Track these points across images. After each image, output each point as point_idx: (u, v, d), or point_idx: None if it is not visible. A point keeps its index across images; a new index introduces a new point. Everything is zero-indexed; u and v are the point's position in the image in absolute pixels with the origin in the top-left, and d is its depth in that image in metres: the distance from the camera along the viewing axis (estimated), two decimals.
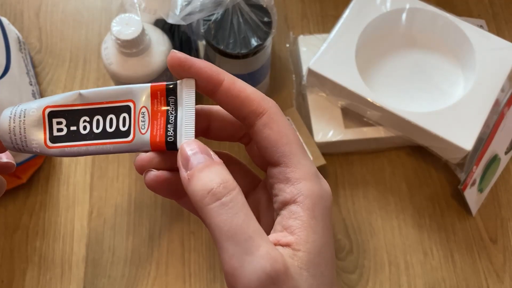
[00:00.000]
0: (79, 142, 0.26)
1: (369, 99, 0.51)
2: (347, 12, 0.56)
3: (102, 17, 0.64)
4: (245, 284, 0.21)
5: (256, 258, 0.21)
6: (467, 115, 0.51)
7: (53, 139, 0.26)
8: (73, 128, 0.26)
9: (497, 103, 0.53)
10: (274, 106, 0.25)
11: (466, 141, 0.50)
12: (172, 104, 0.25)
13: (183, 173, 0.23)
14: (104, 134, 0.26)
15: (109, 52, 0.46)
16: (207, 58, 0.53)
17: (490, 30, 0.64)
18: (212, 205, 0.22)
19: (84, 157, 0.56)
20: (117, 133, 0.26)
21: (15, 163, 0.32)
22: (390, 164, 0.57)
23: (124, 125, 0.26)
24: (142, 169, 0.26)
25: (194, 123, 0.25)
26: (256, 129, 0.25)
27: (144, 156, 0.26)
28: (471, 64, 0.55)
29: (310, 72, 0.53)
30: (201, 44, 0.57)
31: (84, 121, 0.26)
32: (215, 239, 0.22)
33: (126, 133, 0.25)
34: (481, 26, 0.63)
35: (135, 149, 0.26)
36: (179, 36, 0.50)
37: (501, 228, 0.54)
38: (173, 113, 0.25)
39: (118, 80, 0.47)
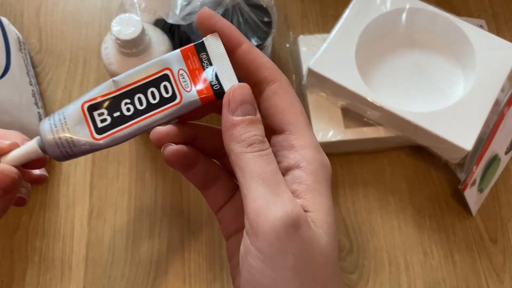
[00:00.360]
0: (127, 123, 0.26)
1: (369, 99, 0.51)
2: (347, 12, 0.56)
3: (102, 17, 0.65)
4: (270, 221, 0.23)
5: (282, 200, 0.23)
6: (467, 115, 0.51)
7: (99, 131, 0.26)
8: (116, 114, 0.26)
9: (497, 103, 0.53)
10: (285, 78, 0.27)
11: (466, 141, 0.50)
12: (205, 60, 0.26)
13: (229, 116, 0.25)
14: (150, 107, 0.26)
15: (109, 52, 0.46)
16: None
17: (490, 30, 0.64)
18: (252, 154, 0.24)
19: (84, 157, 0.56)
20: (163, 101, 0.26)
21: (47, 175, 0.32)
22: (390, 164, 0.57)
23: (167, 92, 0.26)
24: (159, 143, 0.27)
25: (232, 68, 0.26)
26: (265, 96, 0.26)
27: (161, 130, 0.27)
28: (471, 64, 0.55)
29: (310, 72, 0.53)
30: None
31: (126, 103, 0.26)
32: (244, 182, 0.24)
33: (172, 98, 0.26)
34: (481, 26, 0.63)
35: (185, 108, 0.26)
36: (179, 36, 0.50)
37: (501, 228, 0.54)
38: (209, 66, 0.26)
39: None
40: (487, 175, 0.54)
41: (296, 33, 0.63)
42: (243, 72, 0.27)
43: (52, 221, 0.53)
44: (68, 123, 0.26)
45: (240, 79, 0.26)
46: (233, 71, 0.26)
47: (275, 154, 0.26)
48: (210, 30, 0.26)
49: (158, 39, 0.47)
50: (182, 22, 0.46)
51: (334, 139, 0.53)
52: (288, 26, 0.65)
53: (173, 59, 0.26)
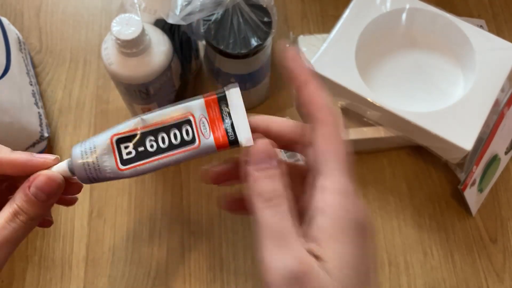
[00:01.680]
0: (149, 158, 0.29)
1: (369, 99, 0.51)
2: (347, 12, 0.56)
3: (102, 17, 0.65)
4: (274, 275, 0.23)
5: (288, 256, 0.24)
6: (467, 115, 0.51)
7: (124, 162, 0.29)
8: (140, 149, 0.29)
9: (497, 103, 0.53)
10: (336, 121, 0.28)
11: (466, 141, 0.50)
12: (225, 110, 0.29)
13: (251, 170, 0.27)
14: (171, 147, 0.29)
15: (109, 52, 0.46)
16: (207, 58, 0.53)
17: (490, 30, 0.64)
18: (268, 209, 0.25)
19: None
20: (183, 143, 0.29)
21: (78, 198, 0.35)
22: (390, 164, 0.57)
23: (188, 135, 0.29)
24: (217, 180, 0.32)
25: (247, 121, 0.29)
26: (313, 134, 0.28)
27: (217, 168, 0.31)
28: (471, 64, 0.55)
29: None
30: (201, 44, 0.57)
31: (150, 140, 0.29)
32: (258, 235, 0.25)
33: (192, 141, 0.29)
34: (481, 26, 0.63)
35: (202, 153, 0.29)
36: (179, 36, 0.50)
37: (501, 228, 0.54)
38: (227, 116, 0.29)
39: (119, 80, 0.47)
40: (487, 175, 0.54)
41: (296, 33, 0.63)
42: (299, 102, 0.29)
43: None
44: (97, 151, 0.28)
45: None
46: (247, 124, 0.29)
47: (308, 191, 0.27)
48: (283, 66, 0.29)
49: (158, 39, 0.47)
50: (182, 22, 0.46)
51: None
52: (288, 26, 0.65)
53: (197, 106, 0.29)
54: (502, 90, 0.53)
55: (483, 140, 0.51)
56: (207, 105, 0.29)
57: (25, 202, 0.28)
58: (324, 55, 0.54)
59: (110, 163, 0.29)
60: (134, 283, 0.50)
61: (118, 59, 0.45)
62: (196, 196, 0.54)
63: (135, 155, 0.29)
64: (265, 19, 0.48)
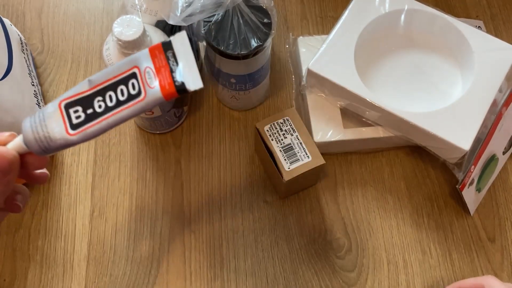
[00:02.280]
0: (97, 119, 0.27)
1: (368, 99, 0.52)
2: (346, 13, 0.56)
3: (103, 18, 0.65)
4: None
5: None
6: (465, 115, 0.52)
7: (73, 126, 0.27)
8: (89, 111, 0.27)
9: (495, 103, 0.53)
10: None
11: (464, 141, 0.50)
12: (171, 57, 0.27)
13: None
14: (118, 104, 0.27)
15: (111, 53, 0.46)
16: (207, 58, 0.54)
17: (488, 31, 0.65)
18: None
19: (86, 157, 0.56)
20: (130, 98, 0.27)
21: (48, 173, 0.34)
22: (388, 163, 0.57)
23: (134, 89, 0.27)
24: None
25: (196, 66, 0.27)
26: None
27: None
28: (469, 64, 0.55)
29: (310, 72, 0.54)
30: (202, 45, 0.58)
31: (98, 101, 0.27)
32: None
33: (138, 94, 0.27)
34: (479, 27, 0.64)
35: (150, 105, 0.27)
36: None
37: (499, 227, 0.54)
38: (175, 64, 0.27)
39: None
40: (485, 174, 0.55)
41: (295, 34, 0.64)
42: None
43: (54, 220, 0.53)
44: (46, 120, 0.27)
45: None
46: (196, 68, 0.27)
47: None
48: None
49: (159, 40, 0.47)
50: (183, 23, 0.46)
51: (333, 139, 0.54)
52: (287, 27, 0.65)
53: (142, 57, 0.27)
54: (500, 90, 0.53)
55: (481, 140, 0.52)
56: (152, 54, 0.27)
57: None
58: (324, 56, 0.54)
59: (59, 130, 0.27)
60: (135, 282, 0.51)
61: (119, 60, 0.46)
62: (196, 195, 0.55)
63: (84, 119, 0.27)
64: (265, 20, 0.48)
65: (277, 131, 0.51)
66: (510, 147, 0.57)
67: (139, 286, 0.50)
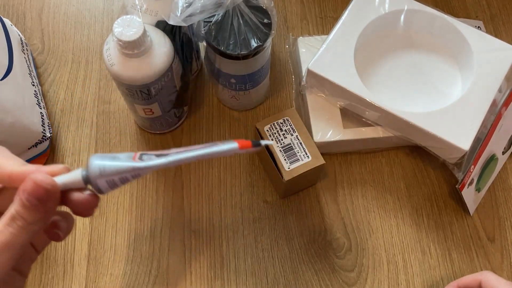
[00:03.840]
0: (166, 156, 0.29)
1: (367, 99, 0.52)
2: (346, 14, 0.56)
3: (104, 18, 0.65)
4: None
5: None
6: (465, 115, 0.52)
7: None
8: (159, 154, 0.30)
9: (494, 103, 0.53)
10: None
11: (464, 141, 0.50)
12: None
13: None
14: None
15: (111, 53, 0.46)
16: (207, 59, 0.54)
17: (488, 31, 0.65)
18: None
19: (86, 156, 0.56)
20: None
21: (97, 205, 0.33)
22: (388, 163, 0.57)
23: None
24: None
25: None
26: None
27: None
28: (469, 65, 0.55)
29: (309, 73, 0.54)
30: (202, 45, 0.58)
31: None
32: None
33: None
34: (478, 27, 0.64)
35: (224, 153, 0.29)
36: (180, 37, 0.51)
37: (499, 227, 0.54)
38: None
39: (120, 80, 0.47)
40: (485, 174, 0.55)
41: (295, 35, 0.64)
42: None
43: None
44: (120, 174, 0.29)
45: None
46: None
47: None
48: None
49: (159, 40, 0.47)
50: (183, 24, 0.46)
51: (333, 139, 0.54)
52: (287, 27, 0.65)
53: (230, 152, 0.29)
54: (500, 90, 0.54)
55: (481, 140, 0.52)
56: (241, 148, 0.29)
57: (20, 207, 0.27)
58: (323, 56, 0.54)
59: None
60: (135, 282, 0.51)
61: (119, 60, 0.46)
62: (197, 195, 0.55)
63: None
64: (265, 21, 0.49)
65: (277, 131, 0.51)
66: (510, 147, 0.57)
67: (139, 286, 0.50)
